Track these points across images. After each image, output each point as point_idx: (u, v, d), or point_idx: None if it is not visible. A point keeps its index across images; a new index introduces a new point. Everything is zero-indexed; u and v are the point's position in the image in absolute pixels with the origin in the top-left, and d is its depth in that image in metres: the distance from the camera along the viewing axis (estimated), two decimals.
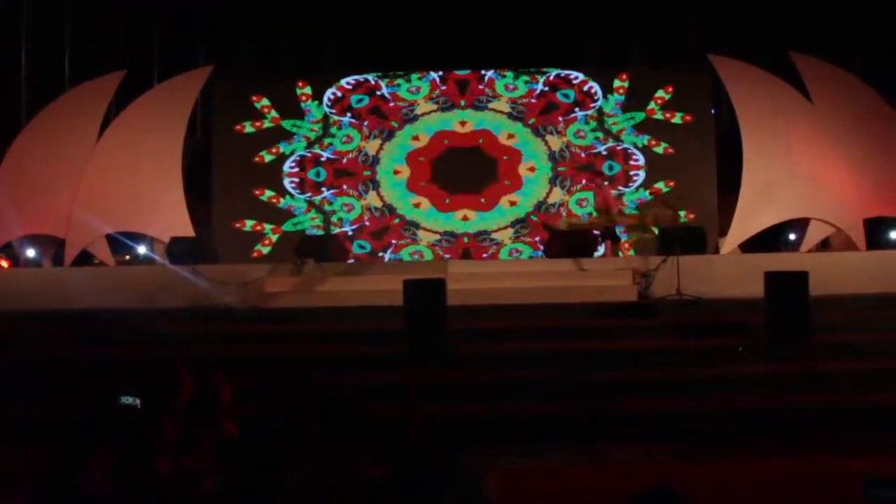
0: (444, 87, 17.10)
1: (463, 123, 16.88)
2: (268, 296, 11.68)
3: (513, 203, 16.54)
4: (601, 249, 13.94)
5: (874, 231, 13.59)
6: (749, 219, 14.22)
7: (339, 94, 17.09)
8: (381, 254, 16.21)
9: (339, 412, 4.65)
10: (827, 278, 10.50)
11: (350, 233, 16.49)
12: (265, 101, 17.00)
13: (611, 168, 16.84)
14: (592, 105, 16.98)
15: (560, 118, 16.92)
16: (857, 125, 14.11)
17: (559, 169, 16.74)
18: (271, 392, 5.65)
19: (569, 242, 13.16)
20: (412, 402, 7.17)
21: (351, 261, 15.42)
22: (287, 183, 16.82)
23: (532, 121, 16.89)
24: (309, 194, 16.82)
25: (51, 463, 4.38)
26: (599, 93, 17.04)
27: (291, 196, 16.74)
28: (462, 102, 17.03)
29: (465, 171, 16.62)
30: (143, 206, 14.45)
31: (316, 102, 17.10)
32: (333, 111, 16.99)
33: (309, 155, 16.92)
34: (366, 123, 16.93)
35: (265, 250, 16.47)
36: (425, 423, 4.53)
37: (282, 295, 11.73)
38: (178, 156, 15.00)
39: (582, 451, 7.21)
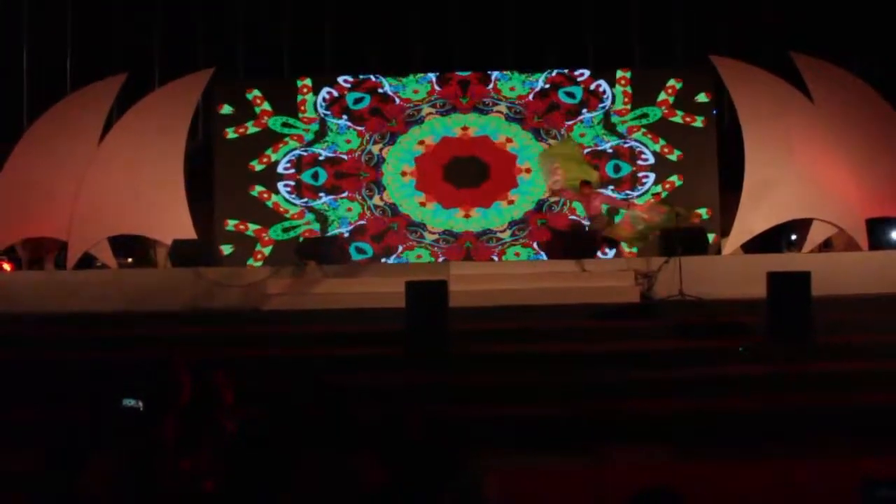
0: (440, 89, 16.99)
1: (465, 129, 16.78)
2: (269, 297, 11.68)
3: (511, 202, 16.46)
4: (610, 253, 13.93)
5: (876, 231, 13.60)
6: (751, 219, 14.20)
7: (335, 93, 17.01)
8: (384, 259, 16.13)
9: (340, 413, 4.65)
10: (829, 279, 10.49)
11: (347, 234, 16.43)
12: (256, 92, 16.89)
13: (617, 169, 16.76)
14: (601, 105, 16.87)
15: (567, 122, 16.79)
16: (859, 125, 14.09)
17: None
18: (273, 393, 5.64)
19: (571, 243, 13.17)
20: (413, 403, 7.17)
21: (353, 261, 15.40)
22: (282, 187, 16.75)
23: (537, 118, 16.80)
24: (306, 199, 16.75)
25: (50, 465, 4.38)
26: (608, 91, 16.91)
27: (289, 202, 16.68)
28: (464, 100, 16.94)
29: (467, 175, 16.56)
30: (145, 209, 14.45)
31: (313, 95, 17.02)
32: (329, 113, 16.92)
33: (306, 154, 16.85)
34: (364, 126, 16.85)
35: (259, 263, 16.39)
36: (425, 423, 4.52)
37: (283, 297, 11.74)
38: (181, 158, 15.01)
39: (583, 453, 7.20)
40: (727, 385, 8.52)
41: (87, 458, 4.47)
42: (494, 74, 17.01)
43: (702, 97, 16.68)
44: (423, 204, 16.55)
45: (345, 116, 16.83)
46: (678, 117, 16.62)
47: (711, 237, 14.95)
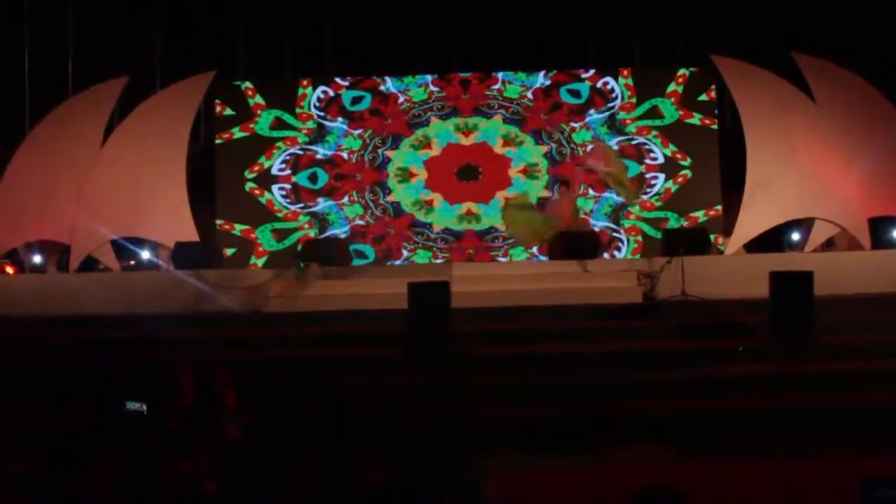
0: (436, 90, 16.93)
1: (467, 134, 16.74)
2: (272, 299, 11.68)
3: (508, 199, 16.40)
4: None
5: (879, 231, 13.57)
6: (753, 219, 14.18)
7: (331, 92, 16.96)
8: (389, 263, 16.11)
9: (340, 414, 4.65)
10: (832, 278, 10.47)
11: (344, 235, 16.41)
12: (248, 83, 16.87)
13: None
14: (608, 105, 16.80)
15: (572, 123, 16.74)
16: (862, 124, 14.06)
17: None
18: (273, 395, 5.65)
19: (573, 244, 13.15)
20: (413, 403, 7.17)
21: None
22: (276, 190, 16.71)
23: (544, 116, 16.74)
24: (303, 203, 16.71)
25: (53, 467, 4.39)
26: (617, 89, 16.86)
27: (284, 206, 16.67)
28: (465, 96, 16.89)
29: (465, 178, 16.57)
30: (147, 211, 14.45)
31: (312, 89, 16.99)
32: (324, 114, 16.88)
33: (302, 154, 16.81)
34: (364, 128, 16.82)
35: (264, 259, 16.45)
36: (425, 423, 4.52)
37: (285, 299, 11.74)
38: (183, 160, 15.01)
39: (584, 453, 7.20)
40: (729, 385, 8.51)
41: (90, 460, 4.48)
42: (501, 75, 16.98)
43: (703, 97, 16.69)
44: (428, 203, 16.54)
45: (339, 119, 16.77)
46: (696, 119, 16.56)
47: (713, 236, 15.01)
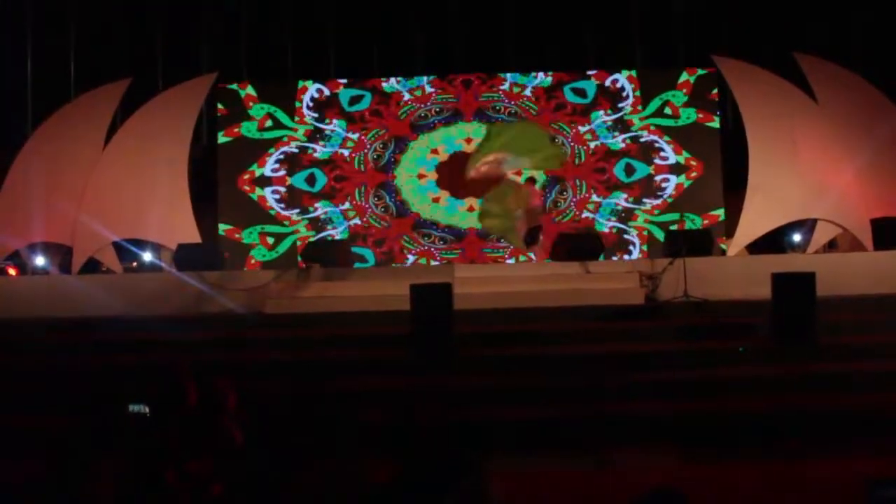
0: (432, 90, 16.88)
1: (468, 140, 16.68)
2: (274, 301, 11.69)
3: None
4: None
5: (881, 231, 13.55)
6: (755, 220, 14.18)
7: (326, 91, 16.90)
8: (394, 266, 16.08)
9: (341, 417, 4.66)
10: (834, 279, 10.48)
11: (338, 236, 16.37)
12: (250, 91, 16.89)
13: (630, 171, 16.62)
14: (620, 105, 16.71)
15: (581, 126, 16.66)
16: (864, 125, 14.07)
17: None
18: (275, 397, 5.67)
19: (575, 246, 13.17)
20: (418, 405, 7.18)
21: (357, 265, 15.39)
22: (270, 194, 16.66)
23: (553, 112, 16.64)
24: (297, 210, 16.68)
25: (57, 470, 4.39)
26: (627, 87, 16.79)
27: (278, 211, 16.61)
28: (467, 89, 16.80)
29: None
30: (149, 213, 14.47)
31: (311, 82, 16.97)
32: (317, 115, 16.82)
33: (297, 151, 16.75)
34: (365, 129, 16.78)
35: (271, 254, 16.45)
36: (429, 425, 4.53)
37: (288, 300, 11.74)
38: (185, 162, 15.05)
39: (587, 455, 7.20)
40: (731, 386, 8.51)
41: (94, 463, 4.48)
42: (509, 77, 16.90)
43: (703, 98, 16.68)
44: (436, 200, 16.51)
45: (335, 122, 16.69)
46: (716, 122, 16.50)
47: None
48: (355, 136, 16.77)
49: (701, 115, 16.60)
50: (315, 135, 16.80)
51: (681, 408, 8.02)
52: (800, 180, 13.97)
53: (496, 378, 8.83)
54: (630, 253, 16.29)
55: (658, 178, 16.52)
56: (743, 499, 5.95)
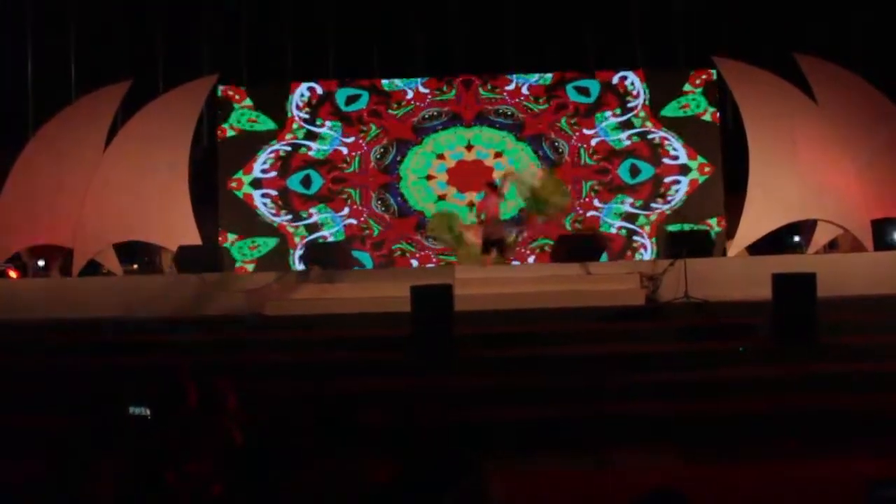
0: (425, 91, 16.84)
1: (469, 148, 16.62)
2: (274, 303, 11.69)
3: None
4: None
5: (881, 232, 13.57)
6: (756, 221, 14.18)
7: (319, 89, 16.81)
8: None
9: (341, 418, 4.65)
10: (834, 280, 10.48)
11: (331, 238, 16.33)
12: (247, 101, 16.86)
13: (635, 171, 16.58)
14: (632, 105, 16.60)
15: (587, 129, 16.52)
16: (864, 125, 14.07)
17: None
18: (276, 399, 5.66)
19: (576, 247, 13.17)
20: (418, 406, 7.17)
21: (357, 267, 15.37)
22: (259, 198, 16.57)
23: (558, 112, 16.55)
24: (289, 216, 16.62)
25: (57, 471, 4.39)
26: (638, 85, 16.68)
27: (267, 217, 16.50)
28: (468, 92, 16.72)
29: None
30: (150, 215, 14.49)
31: (306, 82, 16.94)
32: (309, 116, 16.76)
33: (290, 149, 16.69)
34: (365, 130, 16.72)
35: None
36: (429, 426, 4.53)
37: (288, 302, 11.74)
38: (185, 164, 15.06)
39: (588, 455, 7.20)
40: (732, 387, 8.50)
41: (94, 464, 4.48)
42: (515, 78, 16.80)
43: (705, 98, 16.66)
44: (442, 196, 16.46)
45: (329, 123, 16.64)
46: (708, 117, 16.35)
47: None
48: (350, 140, 16.65)
49: (711, 117, 16.49)
50: (309, 135, 16.70)
51: (681, 408, 8.02)
52: (800, 181, 13.97)
53: (496, 379, 8.83)
54: (643, 256, 16.01)
55: (667, 179, 16.41)
56: (743, 499, 5.95)
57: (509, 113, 16.63)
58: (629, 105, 16.58)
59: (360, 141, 16.66)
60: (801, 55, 14.70)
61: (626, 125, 16.51)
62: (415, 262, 16.28)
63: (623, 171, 16.47)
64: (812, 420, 7.67)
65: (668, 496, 3.13)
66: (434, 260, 16.24)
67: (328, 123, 16.70)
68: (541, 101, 16.70)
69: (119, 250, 15.08)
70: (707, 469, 6.71)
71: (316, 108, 16.78)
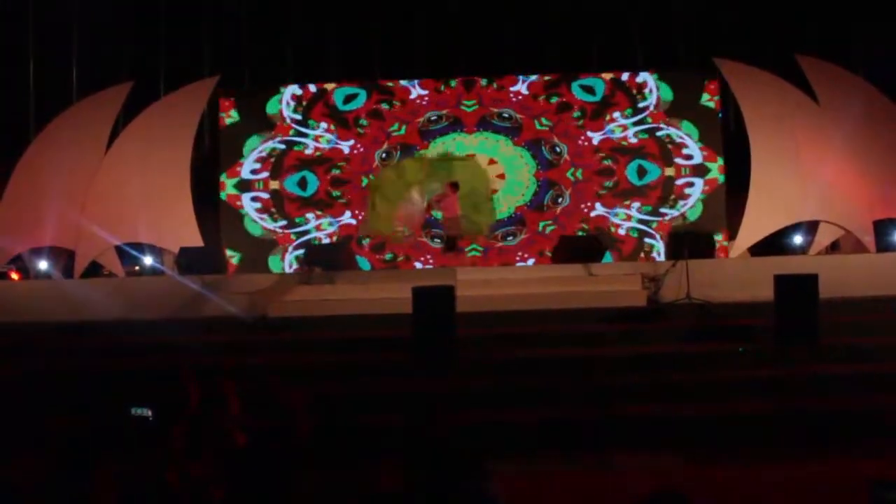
0: (425, 92, 16.80)
1: (471, 156, 16.55)
2: (275, 305, 11.69)
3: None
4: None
5: (884, 233, 13.53)
6: (758, 222, 14.18)
7: (313, 89, 16.73)
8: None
9: (343, 419, 4.66)
10: (836, 281, 10.47)
11: (324, 239, 16.29)
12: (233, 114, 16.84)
13: (641, 172, 16.56)
14: (643, 104, 16.43)
15: (594, 133, 16.38)
16: (865, 126, 14.06)
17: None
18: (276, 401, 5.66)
19: (577, 248, 13.17)
20: (420, 407, 7.17)
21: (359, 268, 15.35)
22: (247, 201, 16.48)
23: (550, 120, 16.57)
24: (281, 223, 16.68)
25: (61, 472, 4.40)
26: (651, 83, 16.59)
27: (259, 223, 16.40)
28: (469, 102, 16.66)
29: None
30: (151, 217, 14.49)
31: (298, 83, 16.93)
32: (298, 115, 16.68)
33: (283, 147, 16.65)
34: (365, 130, 16.64)
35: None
36: (432, 427, 4.52)
37: (290, 304, 11.74)
38: (187, 165, 15.07)
39: (590, 457, 7.20)
40: (734, 388, 8.49)
41: (95, 465, 4.49)
42: (521, 79, 16.71)
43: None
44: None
45: (323, 125, 16.58)
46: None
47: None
48: (349, 144, 16.56)
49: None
50: (306, 136, 16.64)
51: (682, 409, 8.02)
52: (802, 182, 13.96)
53: (498, 380, 8.83)
54: (656, 257, 15.64)
55: (679, 181, 16.16)
56: (744, 500, 5.94)
57: (507, 115, 16.52)
58: (641, 106, 16.33)
59: (359, 144, 16.53)
60: (802, 56, 14.70)
61: (637, 123, 16.33)
62: (418, 265, 16.24)
63: (631, 172, 16.19)
64: (813, 420, 7.67)
65: (669, 497, 3.14)
66: (433, 262, 16.20)
67: (321, 125, 16.58)
68: (540, 99, 16.56)
69: (120, 252, 15.10)
70: (708, 470, 6.71)
71: (310, 108, 16.68)
